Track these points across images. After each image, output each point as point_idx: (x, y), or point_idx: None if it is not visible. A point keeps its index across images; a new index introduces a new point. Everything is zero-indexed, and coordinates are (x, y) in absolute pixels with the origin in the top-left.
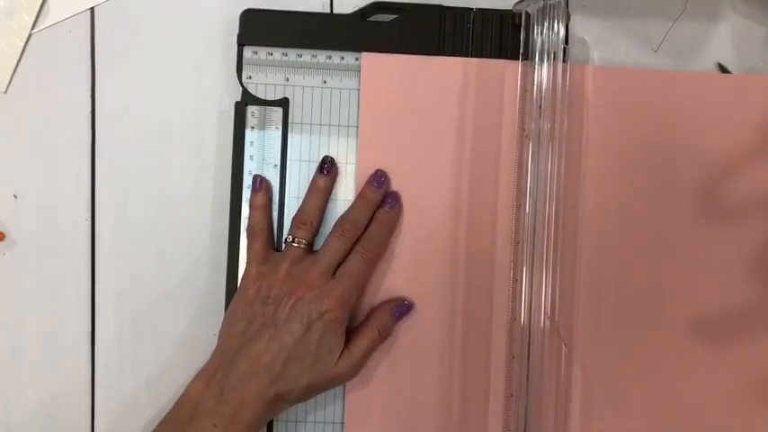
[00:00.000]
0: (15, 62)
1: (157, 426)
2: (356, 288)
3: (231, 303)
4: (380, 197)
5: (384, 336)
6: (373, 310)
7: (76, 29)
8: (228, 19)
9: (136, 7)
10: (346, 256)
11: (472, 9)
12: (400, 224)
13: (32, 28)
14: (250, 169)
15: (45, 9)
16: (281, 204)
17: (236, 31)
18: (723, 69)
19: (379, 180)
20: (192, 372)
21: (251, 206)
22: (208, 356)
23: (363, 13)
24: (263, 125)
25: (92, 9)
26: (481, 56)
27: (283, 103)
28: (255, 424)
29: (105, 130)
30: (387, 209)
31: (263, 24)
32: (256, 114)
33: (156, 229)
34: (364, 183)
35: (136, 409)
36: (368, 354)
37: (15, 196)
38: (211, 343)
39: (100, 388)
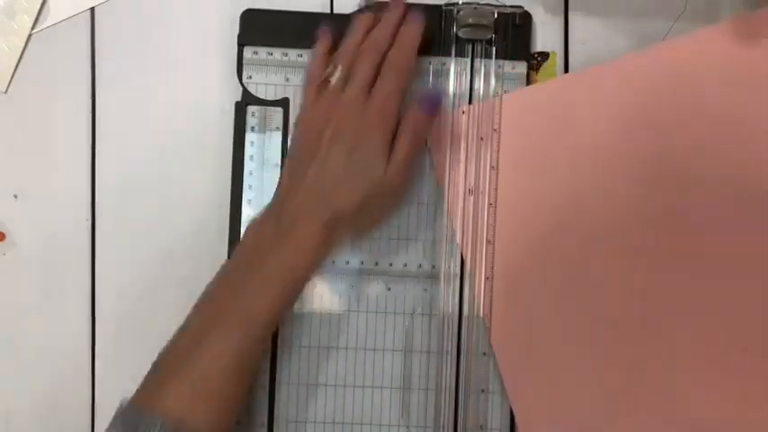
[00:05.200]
0: (15, 62)
1: (216, 278)
2: (394, 103)
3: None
4: (397, 17)
5: (421, 133)
6: (405, 113)
7: (77, 29)
8: (229, 19)
9: (136, 7)
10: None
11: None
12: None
13: (33, 28)
14: (250, 169)
15: (45, 9)
16: None
17: (237, 31)
18: None
19: (370, 10)
20: None
21: (312, 54)
22: None
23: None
24: (263, 125)
25: (92, 9)
26: (482, 56)
27: (284, 104)
28: (316, 251)
29: (105, 129)
30: (409, 22)
31: (263, 24)
32: (257, 114)
33: (157, 230)
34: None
35: None
36: (410, 156)
37: (15, 196)
38: None
39: (100, 388)
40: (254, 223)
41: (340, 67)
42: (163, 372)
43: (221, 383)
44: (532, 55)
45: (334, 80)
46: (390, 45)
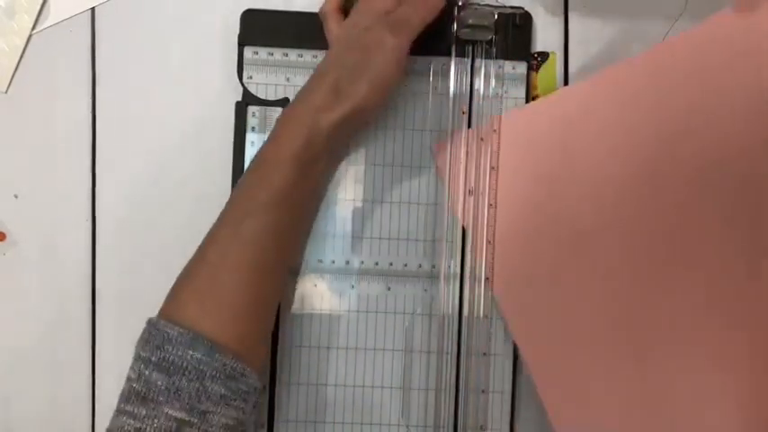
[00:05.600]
0: (16, 62)
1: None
2: None
3: None
4: None
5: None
6: None
7: (77, 29)
8: (229, 19)
9: (136, 7)
10: None
11: None
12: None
13: (33, 28)
14: None
15: (45, 9)
16: None
17: (237, 32)
18: None
19: None
20: None
21: None
22: None
23: None
24: (263, 126)
25: (92, 9)
26: (483, 56)
27: (284, 104)
28: (321, 106)
29: (105, 130)
30: None
31: (263, 24)
32: (257, 115)
33: (157, 230)
34: None
35: None
36: (402, 18)
37: (16, 196)
38: None
39: (100, 388)
40: None
41: None
42: (179, 279)
43: (231, 283)
44: (532, 55)
45: None
46: None
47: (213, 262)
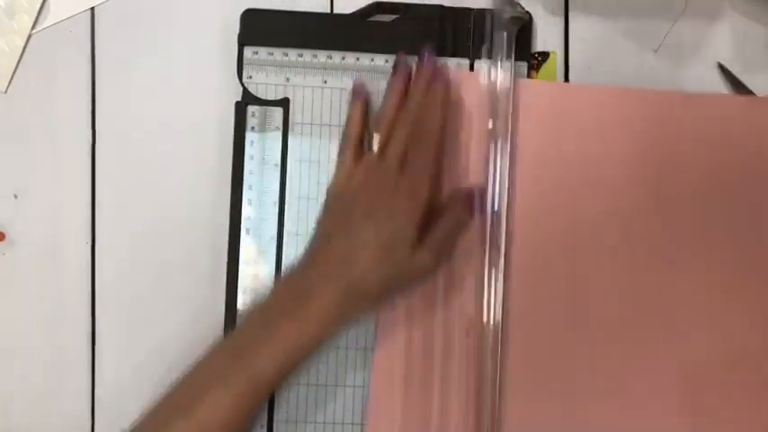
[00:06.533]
0: (15, 62)
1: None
2: (424, 181)
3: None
4: (427, 81)
5: (461, 225)
6: (449, 200)
7: (77, 29)
8: (229, 19)
9: (136, 7)
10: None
11: (473, 9)
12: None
13: (33, 28)
14: (250, 169)
15: (45, 9)
16: (281, 204)
17: (237, 31)
18: (723, 70)
19: (403, 70)
20: None
21: (348, 114)
22: None
23: (364, 13)
24: (263, 125)
25: (92, 9)
26: (482, 57)
27: (284, 103)
28: (328, 322)
29: (105, 130)
30: (434, 85)
31: (263, 24)
32: (257, 114)
33: (156, 230)
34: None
35: (136, 409)
36: (444, 242)
37: (15, 196)
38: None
39: (100, 388)
40: (283, 277)
41: (377, 136)
42: (164, 415)
43: None
44: (533, 55)
45: (374, 147)
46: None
47: (206, 416)
